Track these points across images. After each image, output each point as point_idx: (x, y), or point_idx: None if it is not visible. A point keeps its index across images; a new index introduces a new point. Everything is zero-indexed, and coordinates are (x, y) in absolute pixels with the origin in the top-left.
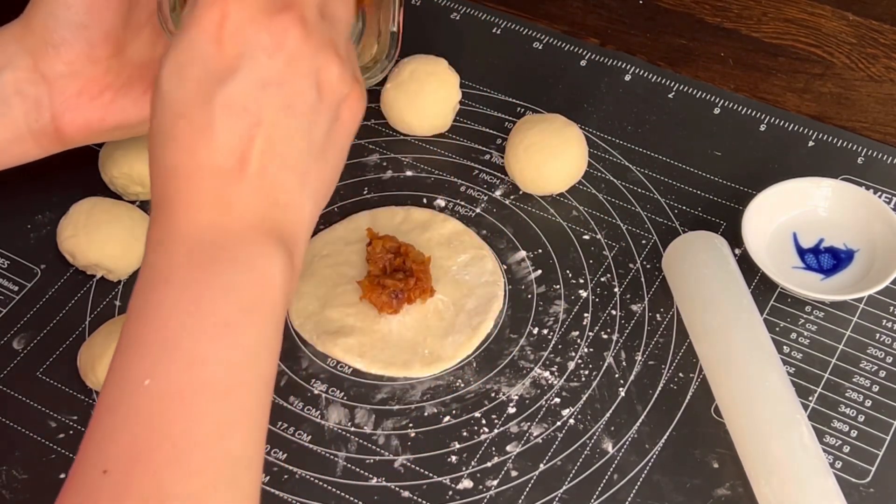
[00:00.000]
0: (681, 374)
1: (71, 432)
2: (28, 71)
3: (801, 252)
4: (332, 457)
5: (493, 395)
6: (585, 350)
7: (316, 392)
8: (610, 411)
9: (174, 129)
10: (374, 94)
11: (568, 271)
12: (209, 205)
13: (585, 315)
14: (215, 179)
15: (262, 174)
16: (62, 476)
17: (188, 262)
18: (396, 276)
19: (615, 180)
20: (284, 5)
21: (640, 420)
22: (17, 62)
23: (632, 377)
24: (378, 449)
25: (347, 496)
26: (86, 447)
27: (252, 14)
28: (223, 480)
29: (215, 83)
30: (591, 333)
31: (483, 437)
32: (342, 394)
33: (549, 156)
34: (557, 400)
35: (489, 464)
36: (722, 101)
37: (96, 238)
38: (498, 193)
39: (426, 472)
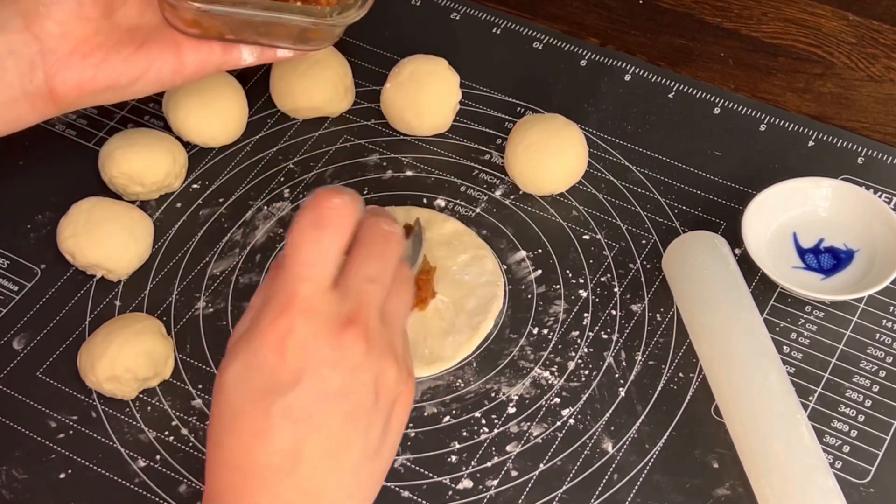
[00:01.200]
0: (681, 374)
1: (71, 432)
2: (20, 32)
3: (801, 252)
4: None
5: (493, 395)
6: (585, 350)
7: None
8: (610, 411)
9: (233, 426)
10: (374, 95)
11: (568, 271)
12: (265, 501)
13: (585, 315)
14: (270, 476)
15: (313, 476)
16: (62, 476)
17: None
18: None
19: (615, 180)
20: (349, 320)
21: (640, 420)
22: (10, 24)
23: (632, 377)
24: None
25: None
26: None
27: (317, 330)
28: None
29: (276, 392)
30: (591, 333)
31: (483, 437)
32: None
33: (549, 156)
34: (557, 400)
35: (489, 464)
36: (722, 101)
37: (96, 238)
38: (498, 193)
39: (426, 472)
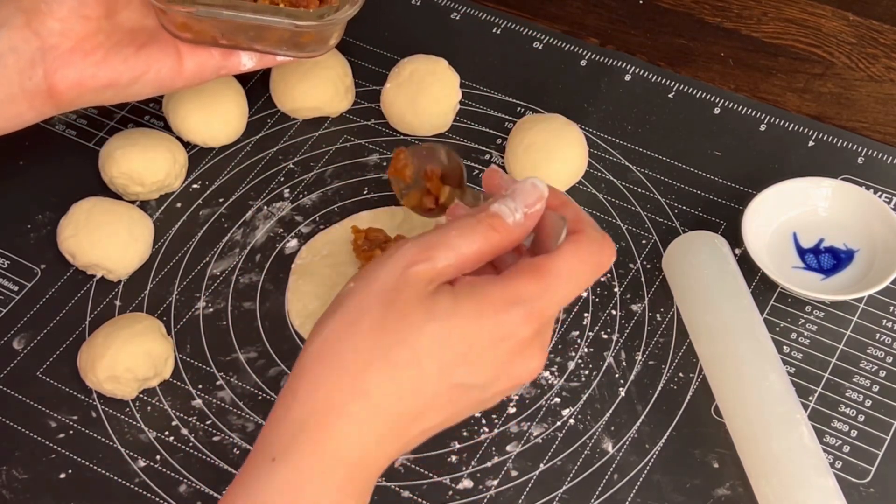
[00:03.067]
0: (681, 374)
1: (71, 432)
2: (21, 29)
3: (802, 252)
4: None
5: None
6: (585, 350)
7: None
8: (610, 411)
9: (395, 355)
10: (374, 95)
11: None
12: (374, 442)
13: (585, 315)
14: (395, 423)
15: (421, 435)
16: (62, 476)
17: (341, 493)
18: None
19: (615, 180)
20: (546, 347)
21: (640, 420)
22: (11, 21)
23: (632, 377)
24: None
25: None
26: None
27: (531, 345)
28: None
29: (465, 360)
30: (591, 333)
31: (483, 437)
32: None
33: (549, 156)
34: (557, 400)
35: (489, 464)
36: (722, 101)
37: (96, 238)
38: None
39: (426, 472)
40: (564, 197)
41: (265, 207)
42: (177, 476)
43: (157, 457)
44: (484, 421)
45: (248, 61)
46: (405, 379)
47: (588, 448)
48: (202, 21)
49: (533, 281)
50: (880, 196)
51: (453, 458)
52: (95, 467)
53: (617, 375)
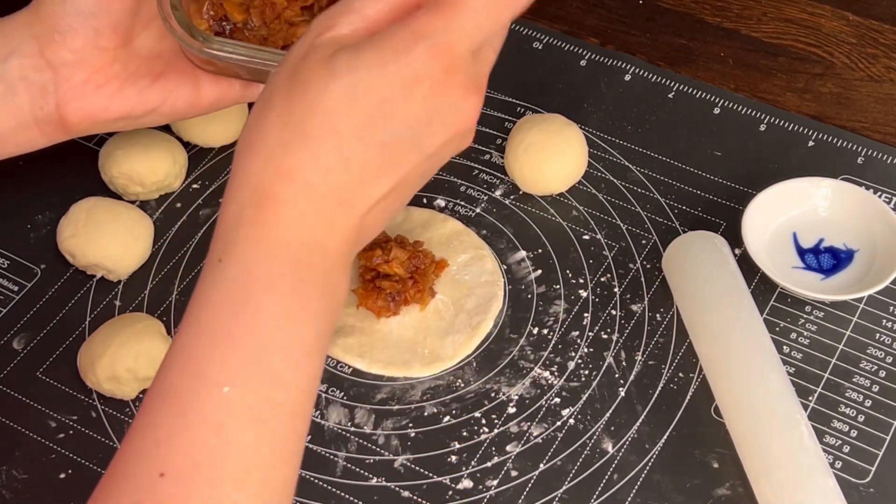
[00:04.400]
0: (681, 374)
1: (71, 432)
2: (34, 57)
3: (801, 252)
4: (331, 457)
5: (493, 395)
6: (585, 350)
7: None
8: (610, 411)
9: (319, 142)
10: None
11: (568, 271)
12: (319, 224)
13: (585, 315)
14: (333, 202)
15: (372, 211)
16: (62, 476)
17: (293, 276)
18: (392, 277)
19: (615, 180)
20: (477, 88)
21: (640, 420)
22: (24, 49)
23: (632, 377)
24: (378, 449)
25: (347, 496)
26: (141, 440)
27: (449, 85)
28: None
29: (384, 127)
30: (591, 333)
31: (483, 437)
32: (342, 394)
33: (549, 156)
34: (557, 400)
35: (489, 464)
36: (722, 101)
37: (96, 238)
38: (498, 193)
39: (426, 472)
40: None
41: None
42: None
43: None
44: (484, 421)
45: None
46: (326, 151)
47: (588, 448)
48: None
49: (434, 15)
50: (880, 196)
51: (453, 458)
52: (95, 467)
53: (617, 375)
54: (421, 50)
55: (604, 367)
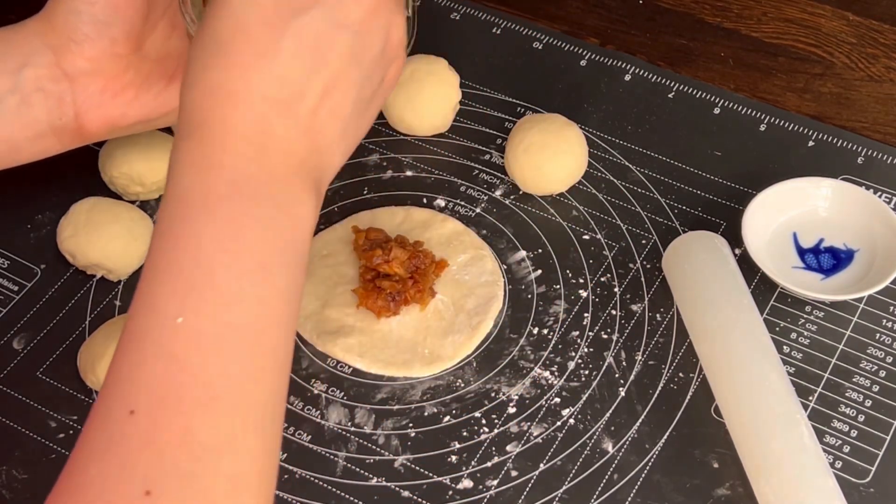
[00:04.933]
0: (681, 374)
1: (71, 432)
2: (50, 68)
3: (801, 252)
4: (332, 457)
5: (493, 394)
6: (585, 350)
7: (316, 392)
8: (610, 411)
9: (231, 45)
10: None
11: (568, 271)
12: (254, 135)
13: (585, 315)
14: (265, 109)
15: (313, 116)
16: None
17: (230, 193)
18: (392, 277)
19: (615, 180)
20: None
21: (640, 420)
22: (39, 59)
23: (632, 377)
24: (378, 449)
25: (347, 496)
26: (111, 382)
27: None
28: (251, 427)
29: (290, 13)
30: (591, 333)
31: (483, 437)
32: (342, 394)
33: (549, 156)
34: (557, 400)
35: (489, 464)
36: (722, 101)
37: (96, 238)
38: (498, 193)
39: (426, 472)
40: None
41: None
42: None
43: None
44: (484, 421)
45: None
46: (237, 52)
47: (588, 448)
48: None
49: None
50: (880, 196)
51: (453, 458)
52: None
53: (617, 375)
54: None
55: (604, 367)
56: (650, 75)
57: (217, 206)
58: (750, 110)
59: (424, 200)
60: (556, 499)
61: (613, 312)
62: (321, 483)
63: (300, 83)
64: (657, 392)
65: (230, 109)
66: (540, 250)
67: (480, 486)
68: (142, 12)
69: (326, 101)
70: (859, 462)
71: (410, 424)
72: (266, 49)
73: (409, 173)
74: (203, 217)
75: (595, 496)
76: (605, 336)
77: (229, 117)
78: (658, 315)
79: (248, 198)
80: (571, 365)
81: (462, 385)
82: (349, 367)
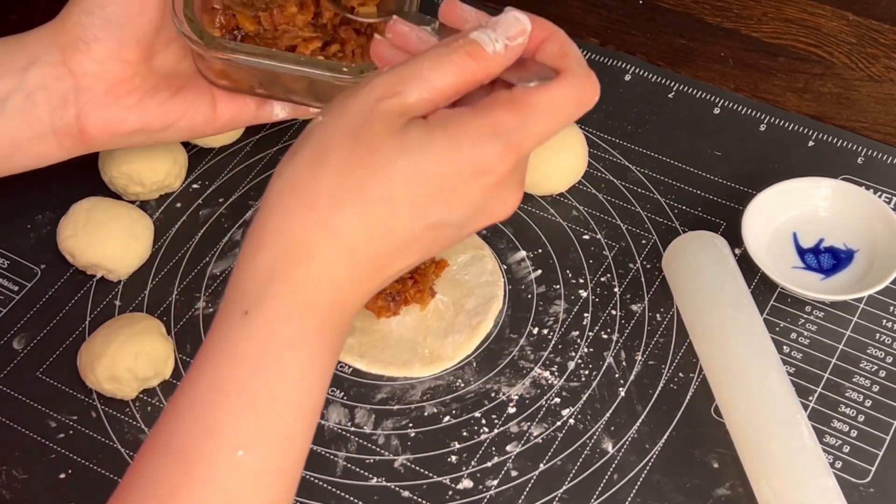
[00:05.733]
0: (681, 374)
1: (71, 432)
2: (55, 66)
3: (801, 252)
4: (331, 457)
5: (493, 395)
6: (585, 350)
7: None
8: (610, 411)
9: (367, 192)
10: None
11: (568, 271)
12: (352, 286)
13: (585, 315)
14: (370, 264)
15: (393, 278)
16: (62, 476)
17: (317, 336)
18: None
19: (615, 180)
20: (523, 182)
21: (640, 420)
22: (47, 58)
23: (632, 377)
24: (378, 449)
25: (347, 496)
26: (142, 490)
27: (509, 180)
28: None
29: (441, 197)
30: (591, 333)
31: (483, 437)
32: (342, 394)
33: (549, 156)
34: (557, 400)
35: (489, 464)
36: (722, 101)
37: (96, 238)
38: None
39: (426, 472)
40: (550, 27)
41: None
42: None
43: None
44: (484, 421)
45: (280, 111)
46: (377, 218)
47: (588, 448)
48: (241, 69)
49: (512, 113)
50: (880, 196)
51: (453, 458)
52: (95, 467)
53: (617, 375)
54: (495, 145)
55: (604, 367)
56: (650, 75)
57: (303, 347)
58: (750, 110)
59: None
60: (556, 499)
61: (613, 312)
62: (321, 483)
63: (407, 259)
64: (657, 392)
65: (343, 258)
66: (540, 250)
67: (480, 486)
68: (154, 23)
69: (410, 267)
70: (859, 462)
71: (410, 424)
72: (399, 226)
73: None
74: (289, 357)
75: (595, 496)
76: (605, 336)
77: (339, 265)
78: (658, 315)
79: (328, 342)
80: (571, 365)
81: (462, 385)
82: (349, 367)
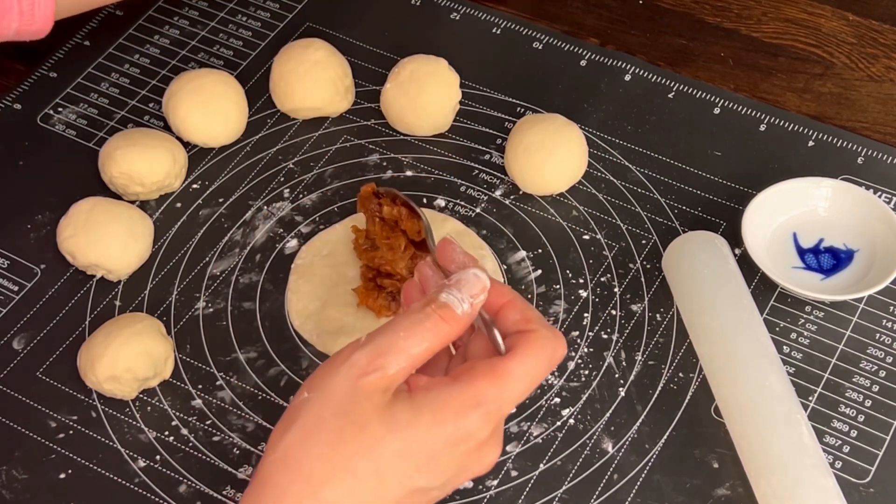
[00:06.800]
0: (681, 374)
1: (71, 432)
2: None
3: (801, 252)
4: None
5: None
6: (585, 350)
7: None
8: (610, 411)
9: (356, 467)
10: (374, 95)
11: (568, 271)
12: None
13: (585, 315)
14: None
15: None
16: (62, 476)
17: None
18: (393, 276)
19: (615, 180)
20: (501, 439)
21: (640, 420)
22: None
23: (632, 377)
24: None
25: None
26: None
27: (489, 442)
28: None
29: (427, 467)
30: (591, 333)
31: None
32: None
33: (549, 156)
34: (557, 400)
35: None
36: (722, 101)
37: (96, 238)
38: (498, 193)
39: None
40: (507, 292)
41: (265, 207)
42: (177, 476)
43: (157, 457)
44: None
45: None
46: (366, 489)
47: (588, 448)
48: None
49: (490, 383)
50: (880, 196)
51: None
52: (95, 467)
53: (617, 375)
54: (477, 415)
55: (604, 367)
56: (650, 75)
57: None
58: (750, 110)
59: (424, 200)
60: (556, 499)
61: (613, 312)
62: None
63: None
64: (657, 392)
65: None
66: (540, 250)
67: (480, 486)
68: None
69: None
70: (859, 462)
71: None
72: (386, 494)
73: (409, 173)
74: None
75: (595, 496)
76: (605, 336)
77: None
78: (658, 315)
79: None
80: (571, 365)
81: None
82: None
